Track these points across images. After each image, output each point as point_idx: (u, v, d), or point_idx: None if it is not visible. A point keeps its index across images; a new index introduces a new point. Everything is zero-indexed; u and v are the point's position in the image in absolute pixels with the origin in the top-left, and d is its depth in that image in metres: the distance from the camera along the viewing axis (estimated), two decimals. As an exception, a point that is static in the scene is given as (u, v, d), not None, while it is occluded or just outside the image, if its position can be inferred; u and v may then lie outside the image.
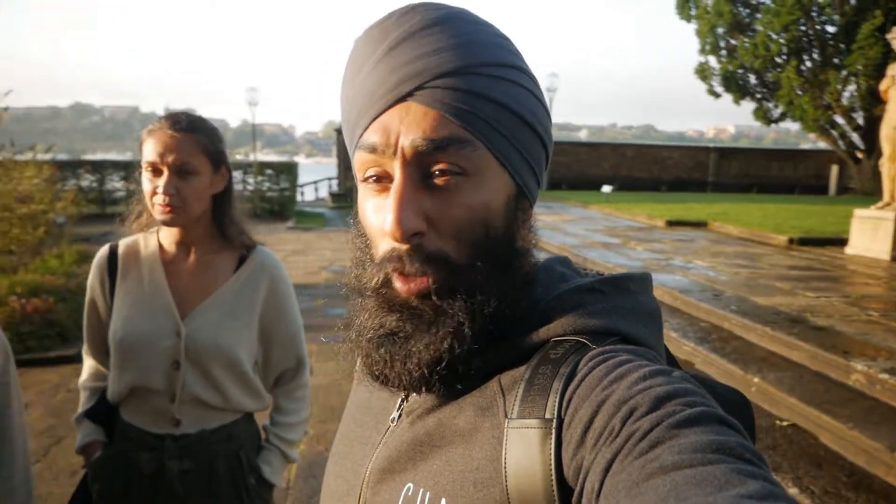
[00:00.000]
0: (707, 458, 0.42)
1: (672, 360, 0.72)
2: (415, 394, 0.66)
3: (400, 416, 0.68)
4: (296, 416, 1.72)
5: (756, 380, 4.36)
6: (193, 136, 1.47)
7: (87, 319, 1.65)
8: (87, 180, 17.67)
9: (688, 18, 23.32)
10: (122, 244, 1.62)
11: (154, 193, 1.46)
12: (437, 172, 0.58)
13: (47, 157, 9.16)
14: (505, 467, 0.54)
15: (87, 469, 1.61)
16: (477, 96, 0.58)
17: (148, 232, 1.61)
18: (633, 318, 0.63)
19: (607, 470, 0.46)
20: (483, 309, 0.59)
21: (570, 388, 0.54)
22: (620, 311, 0.62)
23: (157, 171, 1.46)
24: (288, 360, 1.69)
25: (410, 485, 0.61)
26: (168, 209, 1.45)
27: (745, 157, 27.15)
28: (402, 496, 0.61)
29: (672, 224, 12.58)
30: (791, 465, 3.38)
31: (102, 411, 1.61)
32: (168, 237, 1.59)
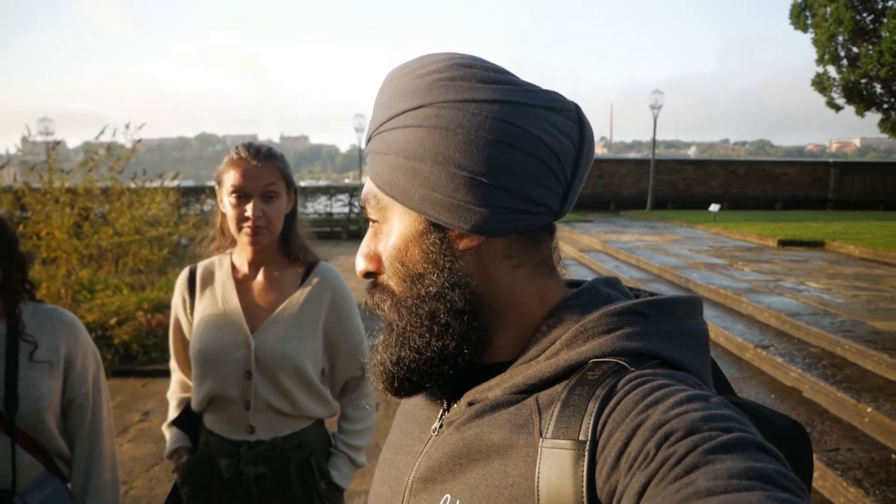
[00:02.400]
0: (743, 485, 0.42)
1: (726, 386, 0.72)
2: (455, 404, 0.71)
3: (441, 426, 0.71)
4: (361, 423, 1.82)
5: (869, 409, 4.07)
6: (273, 163, 1.63)
7: (173, 335, 1.83)
8: (209, 205, 19.00)
9: (804, 28, 22.02)
10: (200, 266, 1.79)
11: (241, 218, 1.60)
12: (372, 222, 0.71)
13: (173, 183, 9.98)
14: (538, 486, 0.55)
15: (176, 473, 1.76)
16: (378, 154, 0.67)
17: (223, 254, 1.78)
18: (675, 342, 0.62)
19: (642, 494, 0.46)
20: (412, 331, 0.67)
21: (606, 410, 0.55)
22: (662, 334, 0.62)
23: (243, 198, 1.60)
24: (353, 369, 1.80)
25: (448, 496, 0.64)
26: (257, 230, 1.60)
27: (870, 171, 25.12)
28: None
29: (785, 244, 11.87)
30: (904, 502, 3.14)
31: (188, 420, 1.77)
32: (240, 257, 1.74)
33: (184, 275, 1.80)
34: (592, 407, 0.55)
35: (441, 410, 0.73)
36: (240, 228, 1.62)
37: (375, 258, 0.70)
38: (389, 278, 0.69)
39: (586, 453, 0.53)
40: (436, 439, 0.70)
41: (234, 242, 1.74)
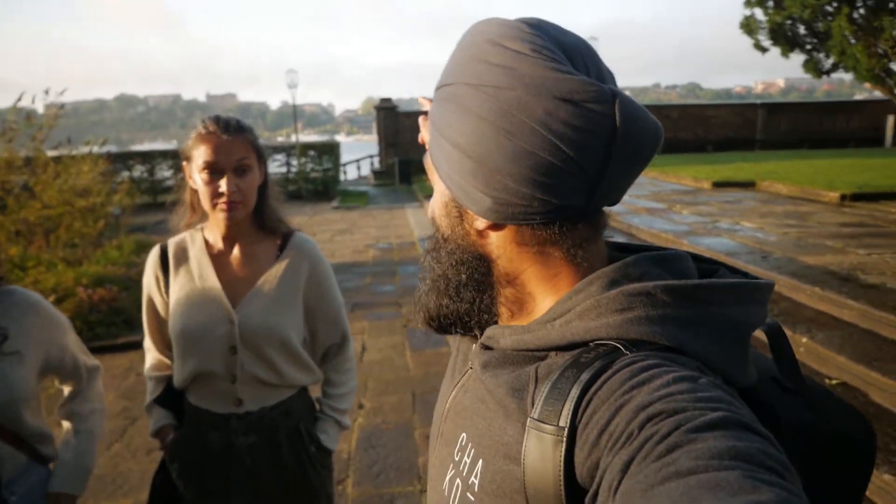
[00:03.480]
0: (723, 465, 0.42)
1: (796, 374, 0.68)
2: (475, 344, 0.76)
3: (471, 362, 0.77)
4: (345, 386, 1.87)
5: (804, 340, 4.34)
6: (244, 136, 1.60)
7: (146, 314, 1.79)
8: (138, 171, 18.26)
9: (730, -30, 22.31)
10: (172, 243, 1.75)
11: (215, 194, 1.57)
12: None
13: (102, 150, 9.49)
14: (524, 458, 0.57)
15: (164, 451, 1.76)
16: (430, 116, 0.70)
17: (193, 230, 1.74)
18: (694, 331, 0.59)
19: (624, 471, 0.47)
20: (433, 287, 0.74)
21: (590, 392, 0.55)
22: (678, 321, 0.59)
23: (216, 173, 1.57)
24: (333, 336, 1.83)
25: (464, 435, 0.69)
26: (232, 205, 1.58)
27: (794, 111, 26.15)
28: (458, 443, 0.70)
29: (719, 185, 12.33)
30: (840, 423, 3.39)
31: (170, 397, 1.77)
32: (213, 232, 1.72)
33: (155, 253, 1.75)
34: (575, 392, 0.55)
35: (474, 346, 0.78)
36: (214, 205, 1.59)
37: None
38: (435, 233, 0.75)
39: (564, 440, 0.54)
40: (468, 375, 0.76)
41: (204, 217, 1.70)
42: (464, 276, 0.70)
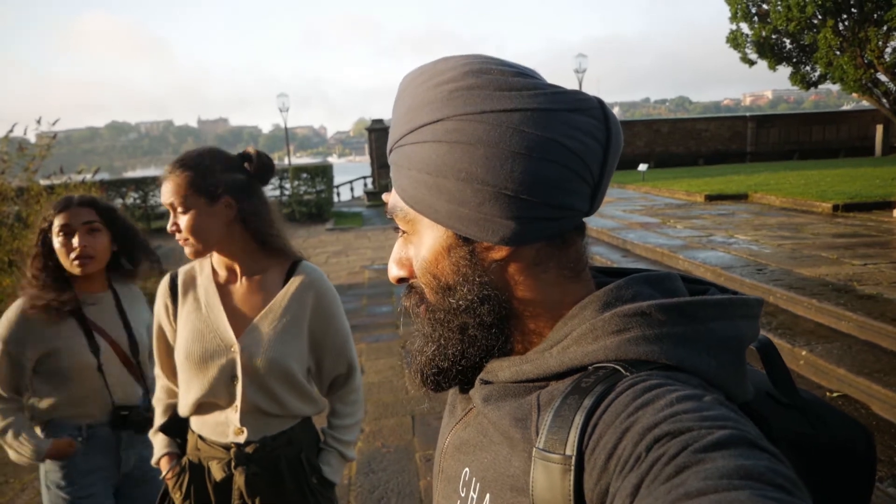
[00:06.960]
0: (733, 485, 0.42)
1: (788, 385, 0.68)
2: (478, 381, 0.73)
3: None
4: (350, 418, 1.84)
5: (804, 353, 4.33)
6: (182, 174, 1.59)
7: (156, 342, 1.80)
8: (132, 198, 18.24)
9: (715, -15, 22.61)
10: (181, 271, 1.76)
11: (173, 233, 1.63)
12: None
13: (96, 178, 9.47)
14: (532, 489, 0.56)
15: (166, 479, 1.75)
16: (401, 168, 0.67)
17: (203, 258, 1.75)
18: (690, 347, 0.59)
19: (634, 494, 0.46)
20: (446, 343, 0.69)
21: (594, 417, 0.55)
22: (674, 338, 0.59)
23: (170, 211, 1.62)
24: (339, 367, 1.81)
25: (467, 470, 0.68)
26: (183, 242, 1.62)
27: (784, 123, 26.43)
28: (462, 478, 0.69)
29: (712, 198, 12.40)
30: (843, 436, 3.37)
31: (175, 425, 1.76)
32: (219, 261, 1.72)
33: (165, 281, 1.76)
34: (579, 419, 0.55)
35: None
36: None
37: (407, 264, 0.72)
38: (423, 286, 0.70)
39: (572, 468, 0.53)
40: (469, 412, 0.74)
41: None
42: (486, 317, 0.66)
